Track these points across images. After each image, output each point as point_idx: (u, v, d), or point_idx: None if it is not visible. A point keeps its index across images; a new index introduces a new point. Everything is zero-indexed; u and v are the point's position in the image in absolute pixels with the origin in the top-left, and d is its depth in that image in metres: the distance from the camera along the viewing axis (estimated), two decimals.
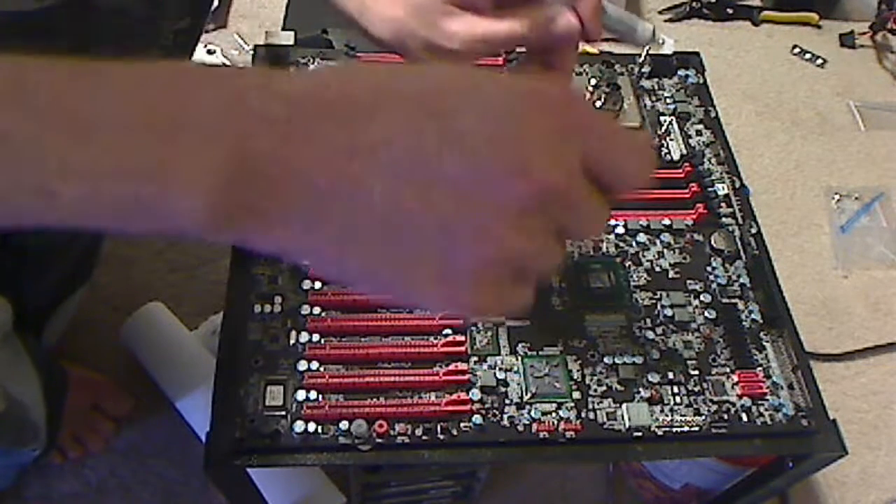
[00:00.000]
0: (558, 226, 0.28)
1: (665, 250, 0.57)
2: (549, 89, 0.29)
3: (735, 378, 0.51)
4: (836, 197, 1.07)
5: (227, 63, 1.12)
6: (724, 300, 0.55)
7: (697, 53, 0.70)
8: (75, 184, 0.24)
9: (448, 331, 0.50)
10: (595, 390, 0.49)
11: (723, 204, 0.60)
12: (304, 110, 0.26)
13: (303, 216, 0.26)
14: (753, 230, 0.58)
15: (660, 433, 0.48)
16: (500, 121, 0.27)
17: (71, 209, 0.25)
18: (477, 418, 0.47)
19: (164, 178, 0.25)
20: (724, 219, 0.59)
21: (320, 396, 0.47)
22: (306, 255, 0.29)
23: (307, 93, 0.27)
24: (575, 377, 0.50)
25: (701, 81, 0.68)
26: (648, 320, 0.53)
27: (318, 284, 0.51)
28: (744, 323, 0.54)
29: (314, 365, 0.48)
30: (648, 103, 0.65)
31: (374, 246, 0.27)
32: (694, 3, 1.27)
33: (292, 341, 0.49)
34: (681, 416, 0.49)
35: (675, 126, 0.64)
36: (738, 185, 0.61)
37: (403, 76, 0.28)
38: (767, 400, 0.50)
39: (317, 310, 0.50)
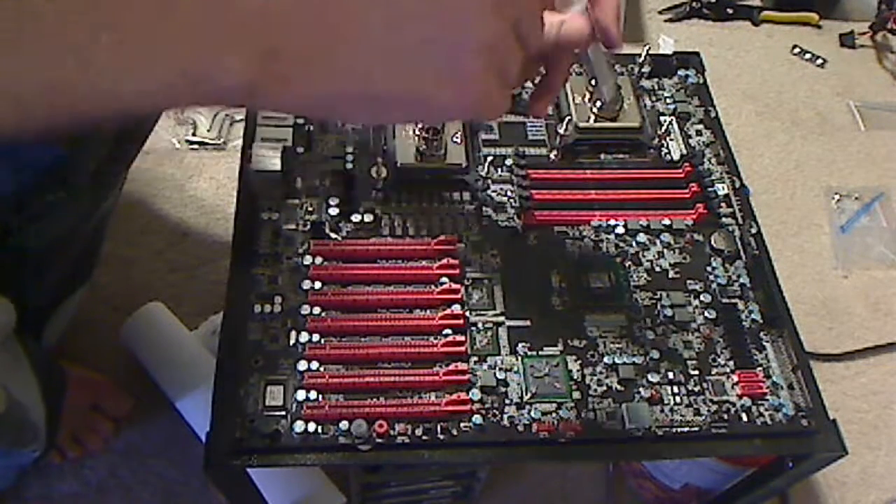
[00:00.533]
0: (518, 31, 0.33)
1: (665, 250, 0.57)
2: None
3: (735, 378, 0.51)
4: (836, 197, 1.07)
5: None
6: (724, 300, 0.55)
7: (697, 53, 0.70)
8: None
9: (448, 331, 0.50)
10: (595, 390, 0.49)
11: (723, 204, 0.60)
12: None
13: (325, 67, 0.30)
14: (753, 230, 0.58)
15: (660, 433, 0.48)
16: None
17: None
18: (477, 418, 0.47)
19: (199, 80, 0.28)
20: (724, 219, 0.59)
21: (320, 396, 0.47)
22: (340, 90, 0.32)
23: None
24: (575, 377, 0.50)
25: (701, 81, 0.68)
26: (648, 320, 0.53)
27: (318, 284, 0.51)
28: (744, 323, 0.54)
29: (314, 365, 0.48)
30: (648, 103, 0.65)
31: (388, 65, 0.31)
32: (694, 3, 1.27)
33: (292, 341, 0.49)
34: (681, 416, 0.49)
35: (675, 126, 0.64)
36: (738, 185, 0.61)
37: None
38: (767, 400, 0.50)
39: (317, 310, 0.50)
